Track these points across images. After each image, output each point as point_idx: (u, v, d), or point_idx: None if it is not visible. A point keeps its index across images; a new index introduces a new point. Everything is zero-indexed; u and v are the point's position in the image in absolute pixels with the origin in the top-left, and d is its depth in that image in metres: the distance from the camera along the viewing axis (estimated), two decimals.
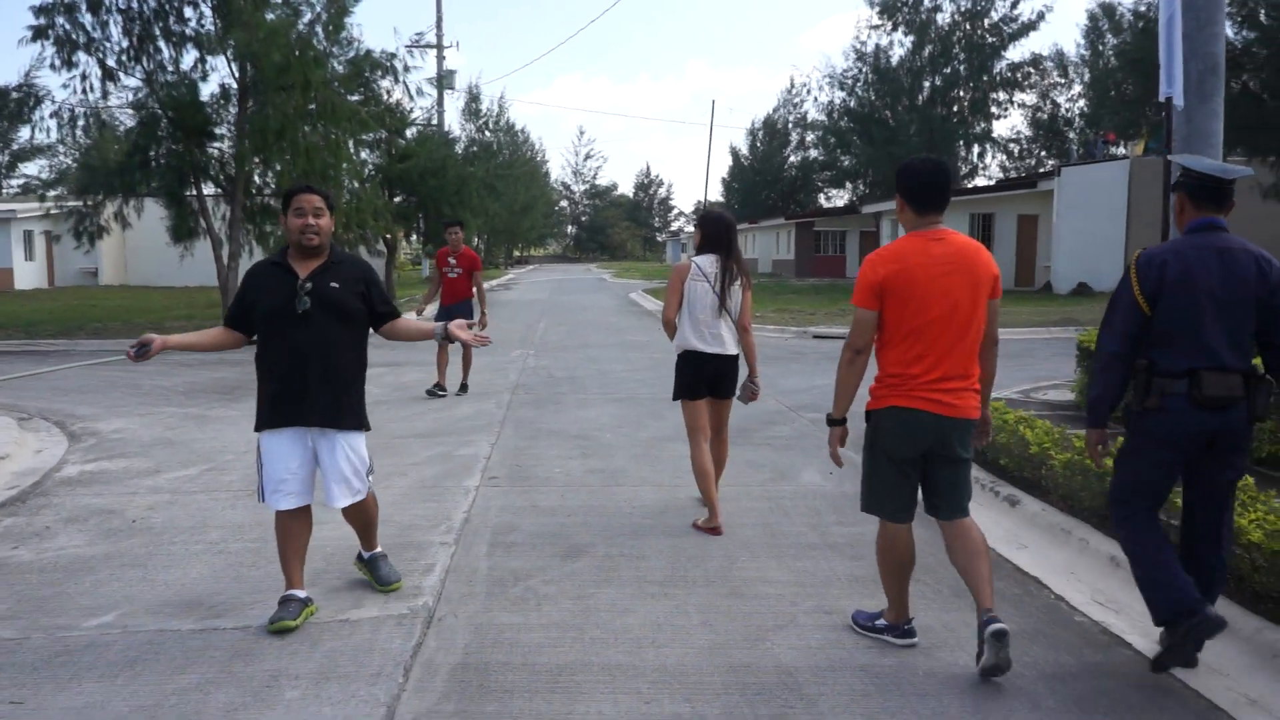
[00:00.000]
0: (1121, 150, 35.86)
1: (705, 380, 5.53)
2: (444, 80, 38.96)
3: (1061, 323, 18.95)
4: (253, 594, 4.47)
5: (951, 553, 3.84)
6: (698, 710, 3.36)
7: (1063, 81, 51.92)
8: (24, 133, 38.90)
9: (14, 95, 20.30)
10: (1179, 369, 3.55)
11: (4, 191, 45.90)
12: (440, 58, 38.76)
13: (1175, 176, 3.83)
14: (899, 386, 3.67)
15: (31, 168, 44.07)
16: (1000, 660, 3.49)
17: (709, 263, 5.46)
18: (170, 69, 18.49)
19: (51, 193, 19.70)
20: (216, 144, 19.27)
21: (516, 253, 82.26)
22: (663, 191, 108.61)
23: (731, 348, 5.52)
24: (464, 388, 10.82)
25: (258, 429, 4.27)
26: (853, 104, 46.96)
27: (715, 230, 5.54)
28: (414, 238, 31.85)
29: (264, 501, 4.24)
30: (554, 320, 22.28)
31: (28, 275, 36.34)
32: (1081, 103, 51.38)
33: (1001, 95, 45.01)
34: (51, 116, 19.06)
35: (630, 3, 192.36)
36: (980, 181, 47.71)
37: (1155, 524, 3.70)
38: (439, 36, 39.01)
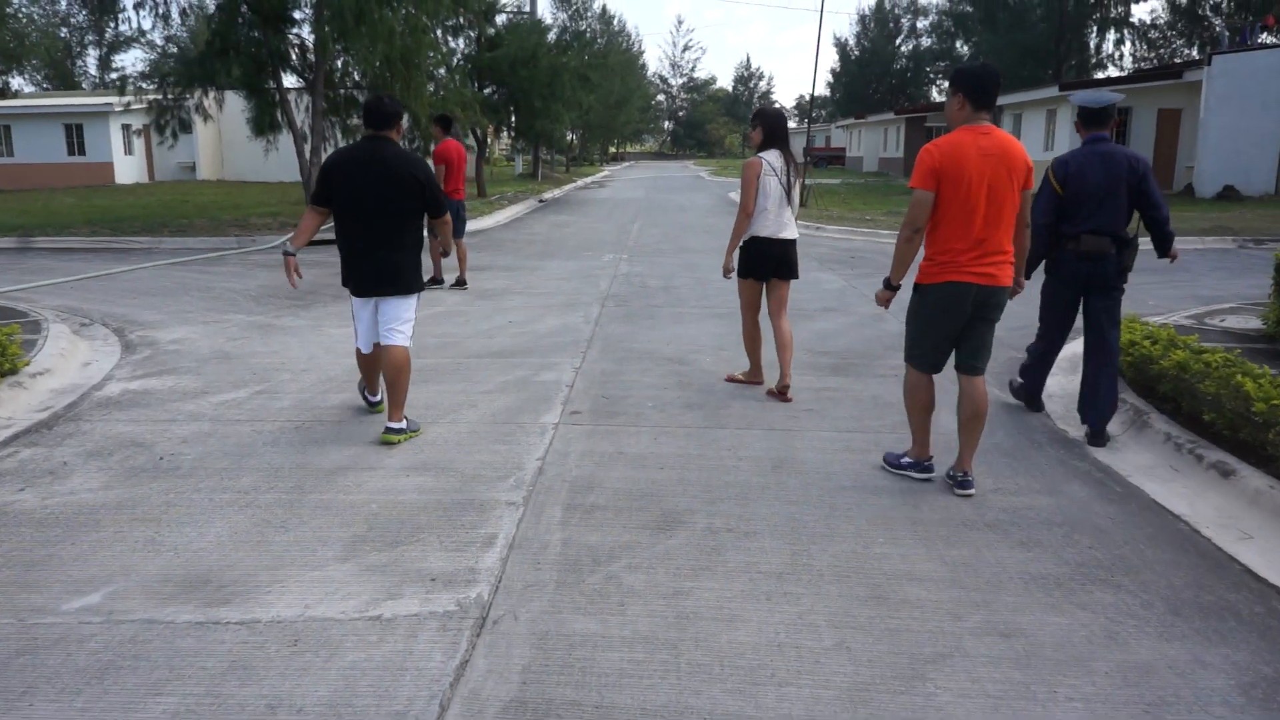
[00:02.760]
0: (1270, 39, 32.13)
1: (771, 263, 6.11)
2: None
3: (1213, 231, 16.89)
4: (272, 570, 3.62)
5: (961, 405, 4.53)
6: None
7: None
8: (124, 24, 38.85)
9: None
10: (1071, 232, 5.25)
11: (107, 85, 46.31)
12: None
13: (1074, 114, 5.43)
14: (949, 264, 4.30)
15: (128, 59, 44.27)
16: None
17: (775, 157, 6.01)
18: None
19: (138, 85, 19.02)
20: (296, 30, 18.35)
21: (612, 149, 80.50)
22: (763, 85, 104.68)
23: (793, 232, 6.13)
24: (460, 282, 10.89)
25: None
26: None
27: (777, 125, 6.10)
28: (505, 132, 30.63)
29: None
30: (649, 221, 21.08)
31: (128, 169, 36.62)
32: None
33: None
34: (135, 7, 18.42)
35: None
36: (1112, 73, 43.93)
37: (1054, 347, 5.71)
38: None
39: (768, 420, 5.66)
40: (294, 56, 18.36)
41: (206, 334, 8.30)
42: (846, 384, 6.52)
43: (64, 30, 57.21)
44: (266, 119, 18.39)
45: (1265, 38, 29.36)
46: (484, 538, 3.92)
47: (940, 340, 4.44)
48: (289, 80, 19.45)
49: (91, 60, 59.24)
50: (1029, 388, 5.95)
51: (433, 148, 10.81)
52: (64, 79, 55.45)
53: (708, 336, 8.10)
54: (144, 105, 19.11)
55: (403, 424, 5.21)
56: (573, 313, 9.30)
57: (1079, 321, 5.53)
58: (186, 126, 19.19)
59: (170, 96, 18.59)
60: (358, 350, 5.50)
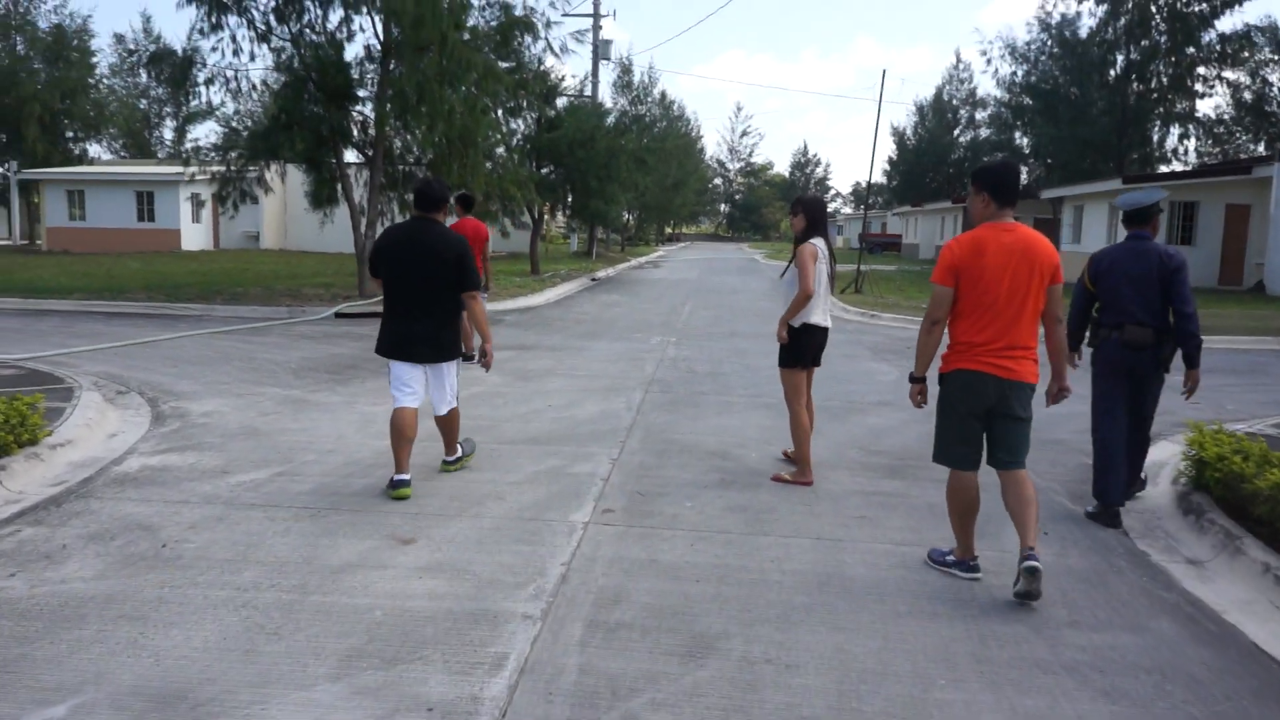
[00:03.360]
0: None
1: (814, 350, 6.15)
2: (599, 50, 37.94)
3: None
4: (256, 688, 3.25)
5: (1006, 498, 4.40)
6: None
7: (1276, 58, 46.41)
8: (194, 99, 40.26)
9: (171, 60, 20.02)
10: (1113, 323, 5.53)
11: (181, 155, 47.97)
12: (596, 26, 37.68)
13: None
14: (965, 353, 4.33)
15: (202, 131, 45.91)
16: (1031, 589, 4.09)
17: (823, 245, 6.08)
18: (317, 29, 17.97)
19: (202, 157, 19.46)
20: (359, 107, 18.68)
21: (668, 229, 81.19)
22: (819, 171, 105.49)
23: (830, 321, 6.26)
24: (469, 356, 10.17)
25: None
26: (1034, 79, 43.30)
27: (821, 214, 6.15)
28: (560, 210, 30.86)
29: None
30: (700, 303, 20.85)
31: (194, 237, 37.59)
32: None
33: (1207, 71, 40.45)
34: (205, 82, 18.93)
35: None
36: (1176, 167, 43.26)
37: (1117, 420, 5.55)
38: (595, 4, 37.94)
39: (816, 528, 5.21)
40: (355, 132, 18.66)
41: (239, 407, 8.10)
42: (902, 488, 6.06)
43: (143, 101, 59.62)
44: (325, 192, 18.63)
45: None
46: (494, 658, 3.52)
47: (964, 432, 4.39)
48: (349, 156, 19.77)
49: (168, 130, 61.54)
50: (1102, 496, 5.51)
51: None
52: (141, 148, 57.54)
53: (754, 429, 7.69)
54: (206, 177, 19.48)
55: (458, 452, 6.19)
56: (615, 398, 8.96)
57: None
58: (248, 198, 19.51)
59: (234, 169, 18.95)
60: (395, 413, 5.69)
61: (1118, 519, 5.44)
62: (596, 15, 37.87)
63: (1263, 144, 46.14)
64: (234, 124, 20.06)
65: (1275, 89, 46.34)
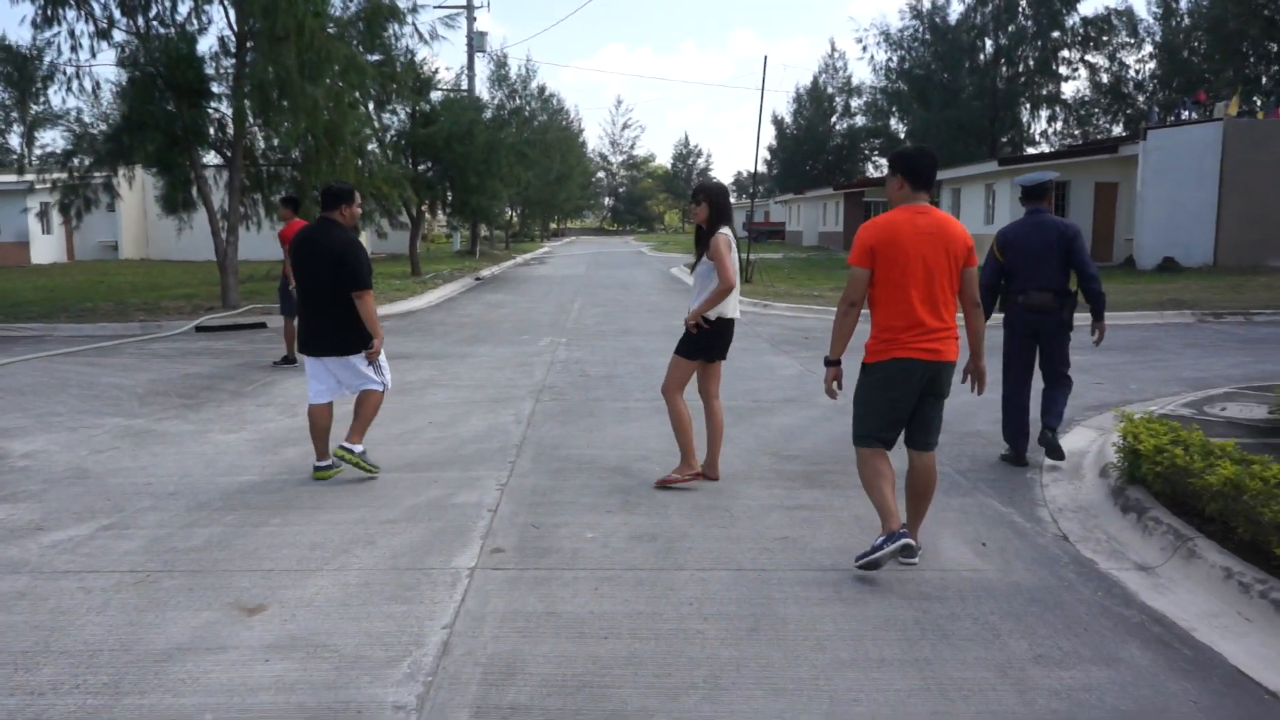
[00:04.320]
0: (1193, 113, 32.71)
1: (721, 344, 5.80)
2: (474, 41, 36.85)
3: (1168, 304, 16.41)
4: None
5: (909, 479, 4.51)
6: None
7: (1131, 41, 48.48)
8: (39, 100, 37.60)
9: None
10: (1018, 289, 6.22)
11: (30, 162, 44.64)
12: (470, 17, 36.57)
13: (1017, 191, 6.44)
14: (892, 342, 4.31)
15: (51, 136, 42.85)
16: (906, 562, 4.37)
17: (730, 234, 5.71)
18: (166, 21, 16.56)
19: (40, 164, 17.79)
20: (215, 104, 17.32)
21: (553, 225, 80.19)
22: (701, 162, 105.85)
23: (739, 313, 5.89)
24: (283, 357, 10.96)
25: None
26: (908, 65, 44.08)
27: (724, 201, 5.76)
28: (440, 209, 29.72)
29: None
30: (590, 299, 20.16)
31: (45, 249, 34.95)
32: (1152, 64, 47.95)
33: (1071, 54, 41.85)
34: (42, 79, 17.28)
35: None
36: (1045, 149, 44.70)
37: (1022, 381, 6.36)
38: None
39: (736, 555, 4.60)
40: (212, 132, 17.28)
41: (69, 444, 7.05)
42: (823, 499, 5.52)
43: None
44: (179, 196, 17.19)
45: (1188, 114, 29.83)
46: None
47: (889, 418, 4.40)
48: (210, 157, 18.36)
49: (15, 138, 57.51)
50: (1013, 441, 6.40)
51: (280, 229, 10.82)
52: None
53: (655, 438, 7.06)
54: (47, 185, 17.80)
55: (360, 448, 5.95)
56: (502, 410, 8.21)
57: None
58: (92, 206, 17.89)
59: (76, 175, 17.33)
60: (308, 408, 6.01)
61: (1024, 459, 6.34)
62: (470, 6, 36.75)
63: (1120, 124, 48.20)
64: (89, 129, 18.37)
65: (1132, 70, 48.47)
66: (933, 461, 4.50)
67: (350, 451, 5.88)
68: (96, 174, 17.56)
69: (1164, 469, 4.94)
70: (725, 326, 5.74)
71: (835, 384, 4.50)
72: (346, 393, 6.08)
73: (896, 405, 4.37)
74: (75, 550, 4.74)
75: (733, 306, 5.73)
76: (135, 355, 11.93)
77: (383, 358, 6.05)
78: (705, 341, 5.72)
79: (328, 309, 5.80)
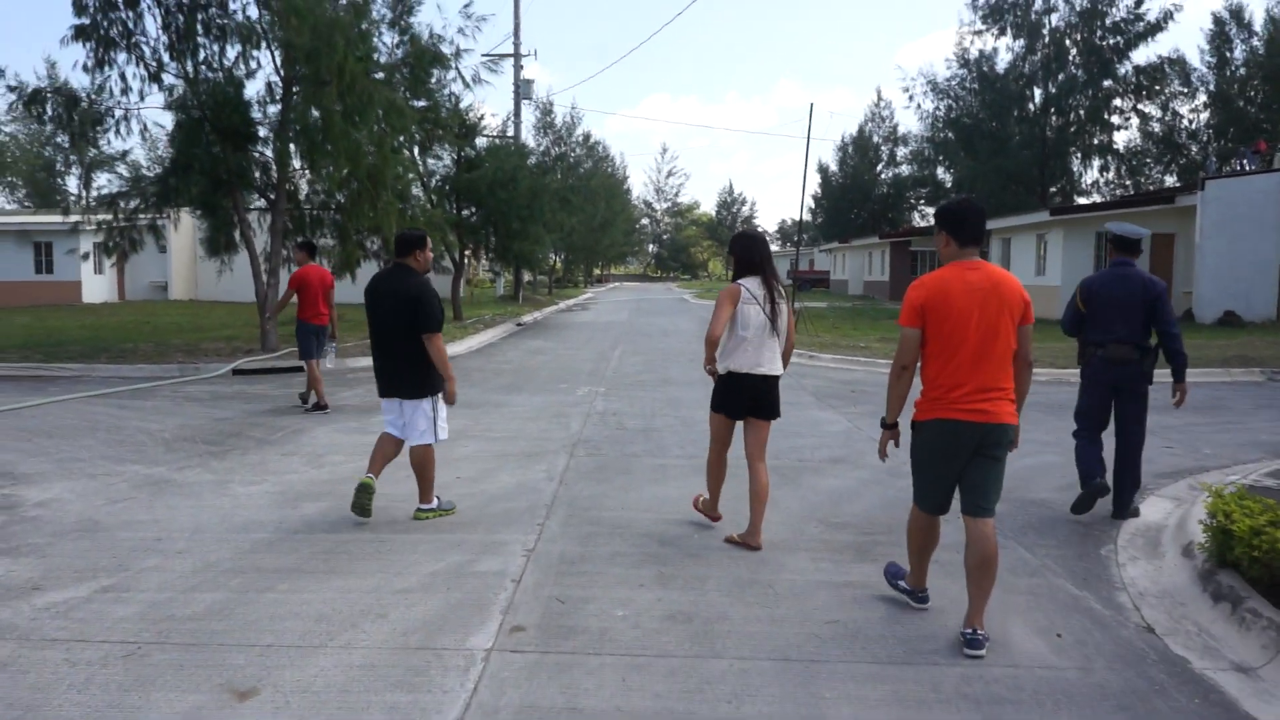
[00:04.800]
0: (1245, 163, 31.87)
1: (747, 400, 5.52)
2: (520, 89, 37.16)
3: (1234, 361, 15.67)
4: None
5: (967, 551, 4.17)
6: None
7: (1185, 90, 47.65)
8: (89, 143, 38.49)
9: (40, 98, 18.11)
10: (1099, 341, 6.15)
11: (88, 203, 45.70)
12: (517, 65, 36.92)
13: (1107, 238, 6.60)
14: (939, 401, 4.15)
15: (105, 179, 43.78)
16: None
17: (755, 285, 5.49)
18: (214, 65, 16.69)
19: (89, 205, 17.97)
20: (260, 148, 17.39)
21: (596, 270, 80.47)
22: (745, 210, 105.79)
23: (775, 368, 5.53)
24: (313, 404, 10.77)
25: None
26: (955, 114, 43.67)
27: (751, 249, 5.58)
28: (484, 254, 29.71)
29: None
30: (630, 347, 19.84)
31: (97, 289, 35.51)
32: (1206, 114, 47.03)
33: (1123, 103, 41.17)
34: (91, 123, 17.48)
35: (723, 20, 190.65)
36: (1096, 199, 43.90)
37: (1094, 436, 6.28)
38: (515, 45, 37.21)
39: (780, 642, 4.15)
40: (257, 175, 17.34)
41: (86, 492, 6.79)
42: (875, 576, 5.04)
43: (48, 149, 57.13)
44: (221, 238, 17.22)
45: (1246, 164, 29.06)
46: None
47: (938, 479, 4.28)
48: (254, 200, 18.43)
49: (73, 180, 59.15)
50: (1087, 476, 6.18)
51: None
52: (43, 196, 55.03)
53: (692, 500, 6.63)
54: (93, 228, 17.95)
55: (433, 503, 6.21)
56: (534, 465, 7.84)
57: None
58: (138, 246, 17.99)
59: (122, 217, 17.44)
60: (383, 433, 6.24)
61: (1092, 502, 6.16)
62: (517, 55, 37.14)
63: (1173, 174, 47.23)
64: (142, 171, 18.52)
65: (1185, 120, 47.59)
66: (991, 531, 4.16)
67: (426, 512, 6.14)
68: (142, 216, 17.66)
69: (1262, 554, 4.42)
70: (740, 382, 5.49)
71: (890, 444, 4.42)
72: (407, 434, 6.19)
73: (942, 467, 4.24)
74: (68, 615, 4.42)
75: (744, 361, 5.46)
76: (169, 398, 11.77)
77: (442, 406, 6.14)
78: (721, 394, 5.62)
79: (401, 352, 5.97)
